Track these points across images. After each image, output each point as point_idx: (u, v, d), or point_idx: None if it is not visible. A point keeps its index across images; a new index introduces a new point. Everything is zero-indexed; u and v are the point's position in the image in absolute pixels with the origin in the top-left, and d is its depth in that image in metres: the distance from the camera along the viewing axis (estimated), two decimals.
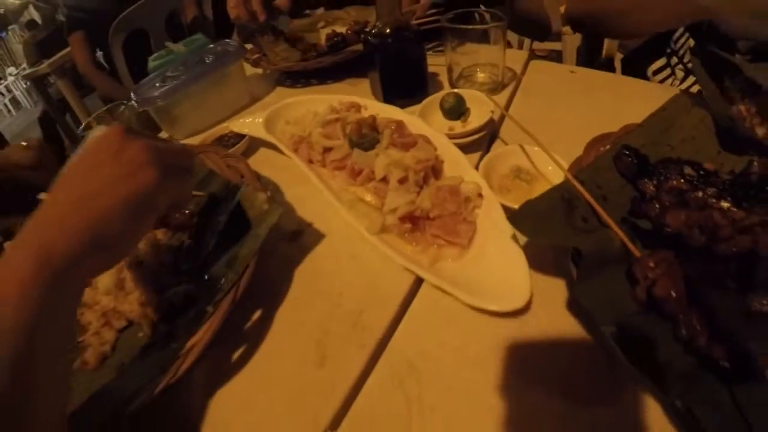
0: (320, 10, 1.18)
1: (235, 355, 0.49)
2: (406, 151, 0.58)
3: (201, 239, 0.58)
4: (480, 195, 0.54)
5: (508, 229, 0.49)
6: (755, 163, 0.55)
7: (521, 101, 0.81)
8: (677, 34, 0.92)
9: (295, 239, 0.60)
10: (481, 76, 0.86)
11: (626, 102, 0.75)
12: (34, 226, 0.37)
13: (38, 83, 2.98)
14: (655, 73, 0.97)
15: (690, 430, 0.38)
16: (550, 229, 0.47)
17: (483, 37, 0.80)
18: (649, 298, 0.45)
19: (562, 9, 1.23)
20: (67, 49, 2.28)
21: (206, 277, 0.55)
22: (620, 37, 0.89)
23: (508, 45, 0.93)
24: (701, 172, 0.54)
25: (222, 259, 0.55)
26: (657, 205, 0.51)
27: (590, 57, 1.39)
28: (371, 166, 0.58)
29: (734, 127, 0.59)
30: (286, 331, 0.50)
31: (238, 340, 0.50)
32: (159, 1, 2.10)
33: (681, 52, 0.92)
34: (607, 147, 0.59)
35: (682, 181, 0.54)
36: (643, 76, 0.98)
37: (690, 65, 0.85)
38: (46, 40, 3.14)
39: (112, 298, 0.56)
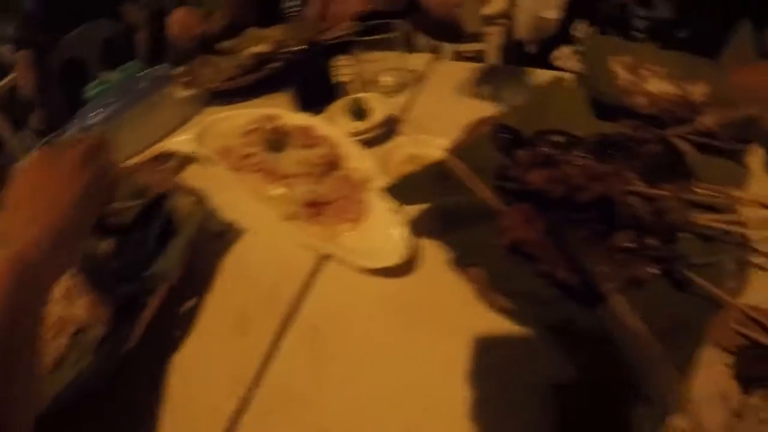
0: (249, 31, 1.25)
1: (176, 334, 0.57)
2: (309, 149, 0.68)
3: (138, 243, 0.65)
4: (370, 179, 0.63)
5: (391, 203, 0.59)
6: (628, 125, 0.63)
7: (422, 99, 0.91)
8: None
9: (221, 237, 0.67)
10: (386, 79, 0.95)
11: None
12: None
13: None
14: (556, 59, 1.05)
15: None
16: (422, 197, 0.57)
17: (387, 45, 0.90)
18: (512, 243, 0.53)
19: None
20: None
21: (147, 274, 0.62)
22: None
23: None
24: (570, 139, 0.63)
25: (158, 260, 0.62)
26: (519, 168, 0.59)
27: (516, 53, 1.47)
28: (281, 166, 0.67)
29: (609, 99, 0.69)
30: (215, 310, 0.58)
31: (177, 323, 0.58)
32: (93, 29, 2.09)
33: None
34: (488, 128, 0.68)
35: (549, 146, 0.62)
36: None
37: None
38: None
39: (63, 307, 0.62)
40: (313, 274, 0.58)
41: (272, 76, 1.00)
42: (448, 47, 1.37)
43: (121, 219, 0.64)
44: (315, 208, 0.62)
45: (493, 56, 1.05)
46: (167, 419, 0.48)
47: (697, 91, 0.67)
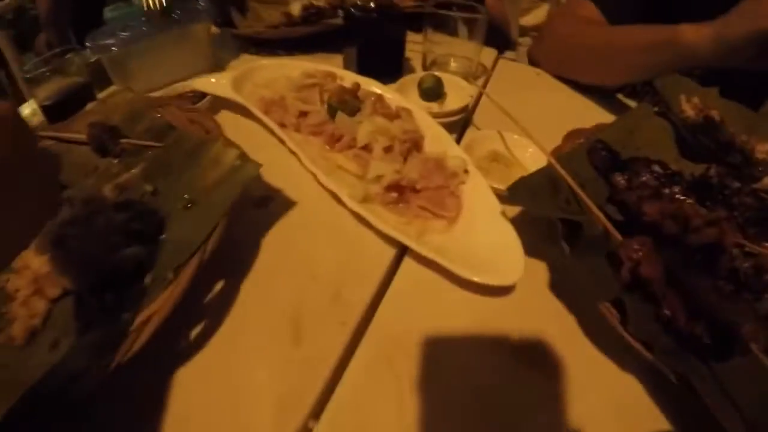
0: None
1: (195, 332, 0.41)
2: (390, 120, 0.54)
3: (156, 193, 0.50)
4: (466, 171, 0.50)
5: (496, 205, 0.46)
6: (713, 170, 0.57)
7: (494, 94, 0.79)
8: None
9: (264, 205, 0.53)
10: (453, 65, 0.83)
11: (588, 107, 0.77)
12: None
13: None
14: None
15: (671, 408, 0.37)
16: (543, 205, 0.45)
17: (461, 30, 0.78)
18: (633, 279, 0.44)
19: (521, 21, 1.25)
20: None
21: (163, 237, 0.47)
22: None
23: None
24: (668, 171, 0.56)
25: (183, 221, 0.47)
26: (635, 195, 0.51)
27: None
28: (353, 132, 0.53)
29: (693, 138, 0.62)
30: (254, 305, 0.43)
31: (199, 315, 0.42)
32: None
33: None
34: (581, 141, 0.59)
35: (652, 177, 0.55)
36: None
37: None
38: None
39: (47, 261, 0.46)
40: (390, 275, 0.45)
41: (324, 35, 0.86)
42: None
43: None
44: (399, 192, 0.48)
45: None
46: None
47: (763, 149, 0.62)
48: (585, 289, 0.41)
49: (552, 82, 0.86)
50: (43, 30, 1.84)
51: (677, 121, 0.65)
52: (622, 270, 0.44)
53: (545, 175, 0.50)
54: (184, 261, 0.41)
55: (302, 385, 0.37)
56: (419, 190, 0.48)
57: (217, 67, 0.88)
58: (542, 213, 0.45)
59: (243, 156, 0.48)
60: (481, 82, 0.82)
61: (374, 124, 0.52)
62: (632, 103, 0.84)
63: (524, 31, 1.26)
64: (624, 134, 0.62)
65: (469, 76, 0.81)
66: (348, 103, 0.56)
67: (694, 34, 0.64)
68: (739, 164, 0.61)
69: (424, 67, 0.83)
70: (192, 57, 0.85)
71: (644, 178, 0.55)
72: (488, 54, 0.92)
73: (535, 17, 1.25)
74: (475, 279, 0.41)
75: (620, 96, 0.87)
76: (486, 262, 0.42)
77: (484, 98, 0.77)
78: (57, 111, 0.69)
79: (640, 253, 0.45)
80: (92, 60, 0.79)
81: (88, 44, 0.77)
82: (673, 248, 0.47)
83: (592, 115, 0.75)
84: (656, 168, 0.56)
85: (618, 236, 0.47)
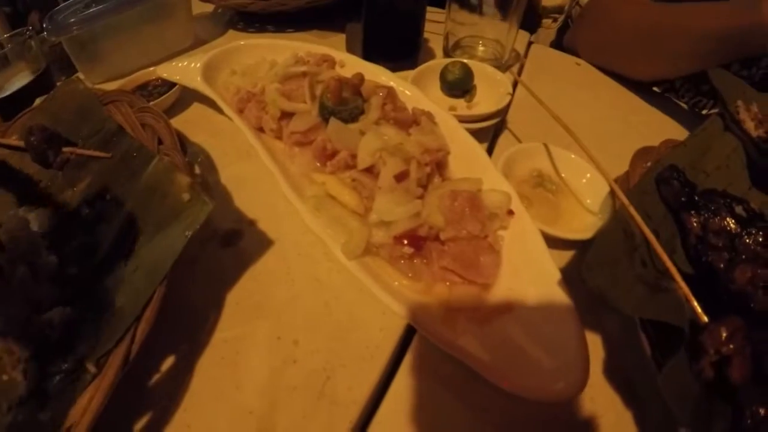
0: None
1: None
2: (404, 131, 0.38)
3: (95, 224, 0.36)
4: (510, 212, 0.34)
5: (554, 271, 0.30)
6: None
7: (523, 89, 0.63)
8: None
9: (231, 243, 0.39)
10: (481, 50, 0.67)
11: (635, 107, 0.63)
12: None
13: None
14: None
15: None
16: (620, 286, 0.30)
17: (488, 8, 0.63)
18: (718, 377, 0.32)
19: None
20: None
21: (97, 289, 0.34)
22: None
23: None
24: (750, 213, 0.43)
25: (119, 267, 0.33)
26: (726, 255, 0.39)
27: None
28: (353, 147, 0.37)
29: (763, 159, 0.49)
30: (212, 394, 0.31)
31: (140, 404, 0.30)
32: None
33: None
34: (649, 164, 0.46)
35: (732, 221, 0.42)
36: None
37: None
38: None
39: None
40: (397, 358, 0.31)
41: (323, 8, 0.70)
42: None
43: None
44: (415, 246, 0.33)
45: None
46: None
47: None
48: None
49: (593, 76, 0.69)
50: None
51: (743, 137, 0.51)
52: (703, 364, 0.31)
53: (620, 225, 0.35)
54: (112, 347, 0.29)
55: None
56: (445, 242, 0.33)
57: (199, 46, 0.72)
58: (627, 310, 0.30)
59: (194, 187, 0.33)
60: (515, 71, 0.65)
61: (382, 139, 0.36)
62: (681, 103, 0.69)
63: (545, 12, 1.09)
64: (696, 156, 0.50)
65: (500, 66, 0.64)
66: (346, 102, 0.40)
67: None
68: None
69: (446, 52, 0.67)
70: (169, 36, 0.72)
71: (723, 223, 0.42)
72: (520, 36, 0.75)
73: None
74: (517, 391, 0.26)
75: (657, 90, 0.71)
76: (533, 361, 0.27)
77: (517, 95, 0.60)
78: (9, 105, 0.57)
79: (731, 346, 0.32)
80: (52, 43, 0.66)
81: (45, 25, 0.61)
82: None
83: (646, 119, 0.60)
84: (738, 209, 0.43)
85: (703, 317, 0.33)
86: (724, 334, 0.32)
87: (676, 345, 0.30)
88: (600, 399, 0.30)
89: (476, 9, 0.63)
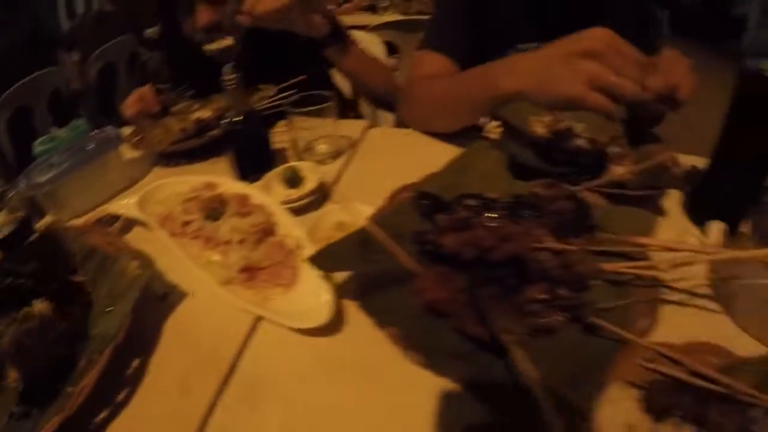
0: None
1: (121, 396, 0.55)
2: (244, 218, 0.71)
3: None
4: (301, 246, 0.68)
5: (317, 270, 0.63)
6: (539, 185, 0.66)
7: (356, 165, 0.96)
8: None
9: (164, 299, 0.68)
10: (322, 147, 0.99)
11: (450, 154, 0.82)
12: None
13: None
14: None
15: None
16: (342, 265, 0.60)
17: (319, 113, 0.92)
18: (427, 303, 0.55)
19: None
20: None
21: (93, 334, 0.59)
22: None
23: None
24: (484, 202, 0.64)
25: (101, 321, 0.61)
26: (435, 232, 0.60)
27: None
28: (218, 233, 0.70)
29: (527, 159, 0.72)
30: (159, 371, 0.57)
31: (121, 385, 0.56)
32: (42, 78, 2.11)
33: None
34: (409, 195, 0.70)
35: (467, 210, 0.63)
36: None
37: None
38: None
39: None
40: (249, 335, 0.60)
41: (213, 143, 1.03)
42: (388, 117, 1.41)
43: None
44: (249, 273, 0.65)
45: None
46: None
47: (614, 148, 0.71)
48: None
49: (422, 139, 0.98)
50: None
51: (524, 143, 0.73)
52: (418, 297, 0.56)
53: (357, 235, 0.62)
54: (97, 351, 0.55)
55: (189, 423, 0.51)
56: (264, 268, 0.65)
57: (135, 182, 1.03)
58: (332, 270, 0.60)
59: (141, 265, 0.63)
60: (346, 157, 0.97)
61: (230, 224, 0.70)
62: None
63: None
64: (456, 177, 0.71)
65: (336, 154, 0.98)
66: (215, 210, 0.74)
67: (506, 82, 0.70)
68: (590, 164, 0.69)
69: (297, 154, 0.98)
70: (110, 181, 0.99)
71: (460, 214, 0.63)
72: (358, 126, 1.07)
73: None
74: (293, 325, 0.58)
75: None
76: (305, 312, 0.58)
77: (347, 172, 0.93)
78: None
79: (428, 282, 0.57)
80: (28, 195, 0.91)
81: (21, 181, 0.91)
82: (479, 269, 0.56)
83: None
84: (470, 201, 0.64)
85: (418, 269, 0.58)
86: (424, 277, 0.57)
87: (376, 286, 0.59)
88: (353, 329, 0.62)
89: (308, 116, 0.89)
